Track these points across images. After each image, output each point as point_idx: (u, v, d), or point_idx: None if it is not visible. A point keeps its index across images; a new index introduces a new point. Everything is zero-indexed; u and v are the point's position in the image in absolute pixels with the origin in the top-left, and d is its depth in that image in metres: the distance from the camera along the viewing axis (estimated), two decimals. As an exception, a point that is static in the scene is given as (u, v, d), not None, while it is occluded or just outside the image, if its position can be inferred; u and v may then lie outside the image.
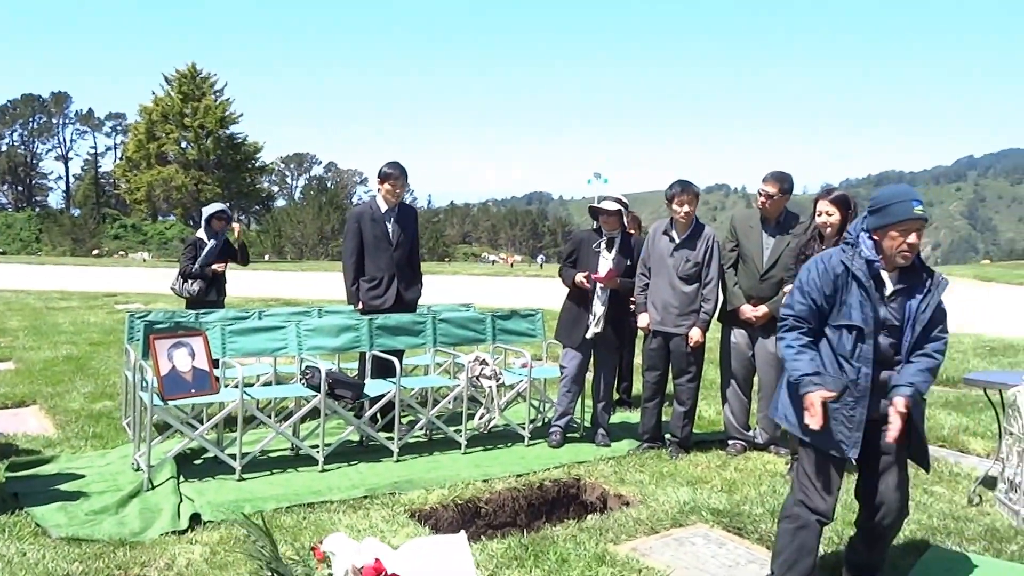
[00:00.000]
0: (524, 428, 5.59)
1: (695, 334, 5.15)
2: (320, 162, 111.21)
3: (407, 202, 6.07)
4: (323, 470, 4.80)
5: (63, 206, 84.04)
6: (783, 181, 5.12)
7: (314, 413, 5.02)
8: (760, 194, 5.15)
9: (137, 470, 4.62)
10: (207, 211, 6.91)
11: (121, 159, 61.83)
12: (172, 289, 6.89)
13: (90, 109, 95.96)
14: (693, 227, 5.22)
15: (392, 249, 5.67)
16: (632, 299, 5.51)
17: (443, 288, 21.02)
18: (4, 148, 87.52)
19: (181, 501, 4.17)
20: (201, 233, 6.83)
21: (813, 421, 2.82)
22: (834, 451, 2.94)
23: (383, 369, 5.42)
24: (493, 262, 71.97)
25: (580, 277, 5.33)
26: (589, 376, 5.70)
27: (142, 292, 19.44)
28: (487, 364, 5.51)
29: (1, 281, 21.90)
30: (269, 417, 5.20)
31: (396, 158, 5.84)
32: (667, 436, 5.41)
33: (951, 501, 4.39)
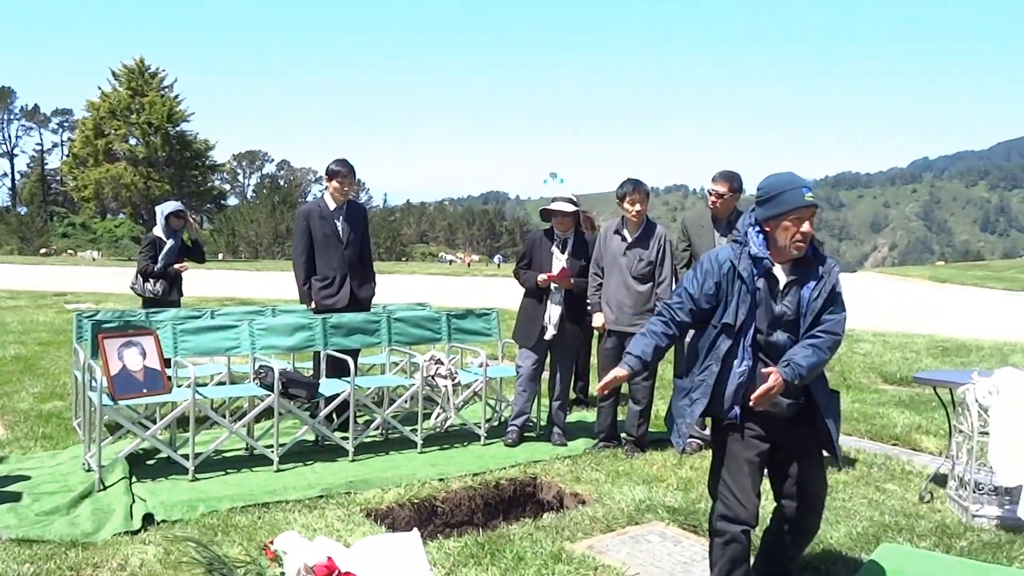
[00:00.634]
0: (480, 427, 5.62)
1: None
2: (273, 160, 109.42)
3: (358, 200, 6.04)
4: (278, 470, 4.76)
5: (8, 204, 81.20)
6: (732, 180, 5.23)
7: (269, 413, 4.98)
8: (711, 194, 5.25)
9: (88, 471, 4.54)
10: (165, 209, 6.78)
11: (68, 156, 60.04)
12: (132, 289, 6.76)
13: (36, 105, 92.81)
14: (645, 226, 5.28)
15: (343, 247, 5.63)
16: (587, 299, 5.57)
17: (399, 287, 20.94)
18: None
19: (134, 501, 4.13)
20: (159, 231, 6.71)
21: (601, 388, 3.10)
22: (674, 443, 3.00)
23: (338, 368, 5.39)
24: (450, 262, 71.74)
25: (542, 277, 5.37)
26: (546, 375, 5.74)
27: (92, 291, 18.94)
28: (442, 363, 5.52)
29: (-59, 279, 21.12)
30: (223, 417, 5.14)
31: (350, 156, 5.81)
32: (623, 435, 5.49)
33: (903, 498, 4.47)
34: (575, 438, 5.65)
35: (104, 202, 51.92)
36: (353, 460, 5.04)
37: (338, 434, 5.26)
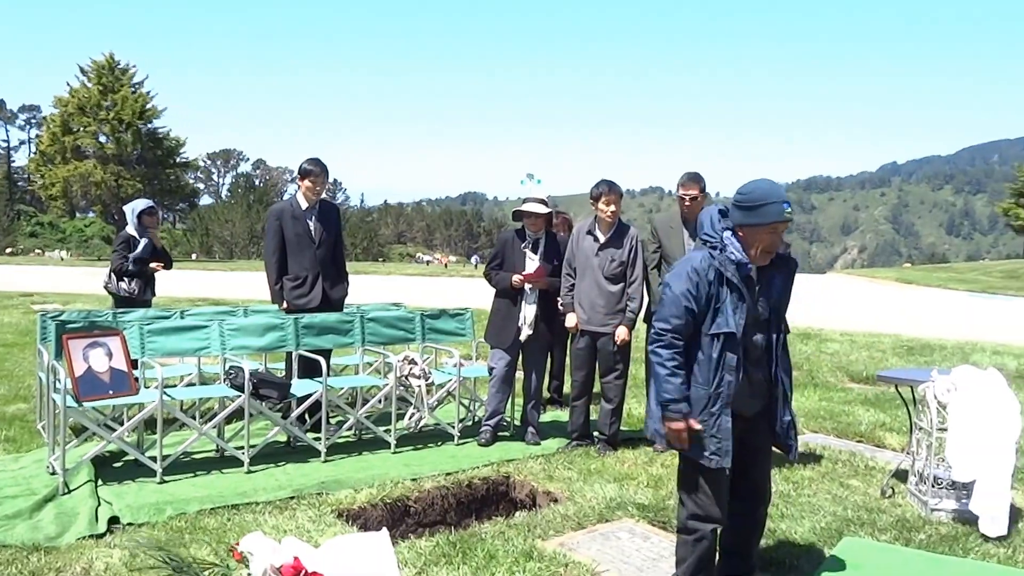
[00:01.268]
0: (454, 427, 5.61)
1: (621, 332, 5.25)
2: (248, 159, 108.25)
3: (333, 200, 5.99)
4: (249, 471, 4.71)
5: (-28, 202, 79.27)
6: (701, 181, 5.32)
7: (240, 414, 4.93)
8: (684, 197, 5.29)
9: (52, 474, 4.46)
10: (136, 207, 6.69)
11: (35, 153, 58.85)
12: (106, 288, 6.66)
13: (1, 100, 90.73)
14: (617, 227, 5.30)
15: (315, 247, 5.58)
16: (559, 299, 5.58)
17: (376, 288, 20.84)
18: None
19: (99, 504, 4.07)
20: (131, 230, 6.61)
21: (679, 446, 2.88)
22: (705, 462, 2.91)
23: (310, 369, 5.34)
24: (428, 262, 71.54)
25: (517, 278, 5.37)
26: (520, 375, 5.75)
27: (60, 292, 18.60)
28: (416, 363, 5.50)
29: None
30: (193, 418, 5.08)
31: (327, 155, 5.77)
32: (595, 434, 5.51)
33: (866, 494, 4.57)
34: (548, 437, 5.65)
35: (73, 201, 50.77)
36: (325, 461, 5.00)
37: (310, 435, 5.22)
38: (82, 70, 48.55)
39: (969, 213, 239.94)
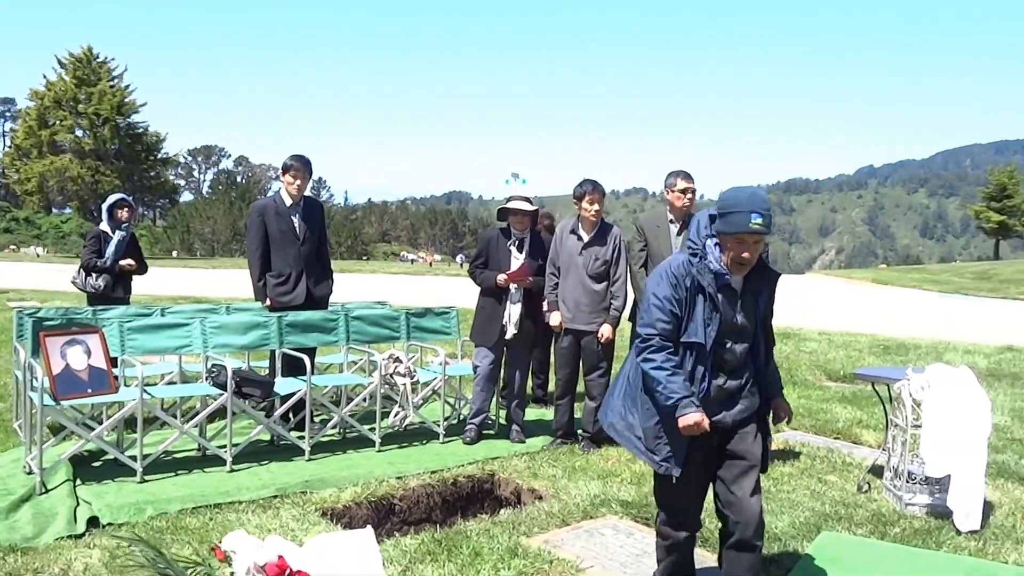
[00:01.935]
0: (439, 425, 5.59)
1: (606, 331, 5.27)
2: (229, 155, 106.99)
3: (317, 198, 5.95)
4: (231, 470, 4.67)
5: (-56, 197, 77.70)
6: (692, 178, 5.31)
7: (222, 412, 4.88)
8: (685, 192, 5.24)
9: (29, 473, 4.40)
10: (107, 203, 6.57)
11: (9, 147, 57.85)
12: (73, 283, 6.53)
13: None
14: (600, 226, 5.32)
15: (299, 244, 5.53)
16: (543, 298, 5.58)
17: (361, 286, 20.72)
18: None
19: (78, 504, 4.01)
20: (104, 226, 6.50)
21: (692, 432, 2.73)
22: (656, 468, 2.86)
23: (294, 367, 5.30)
24: (412, 261, 71.31)
25: (502, 277, 5.36)
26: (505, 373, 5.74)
27: (37, 289, 18.31)
28: (401, 362, 5.48)
29: None
30: (174, 417, 5.02)
31: (312, 153, 5.73)
32: (579, 432, 5.51)
33: (843, 489, 4.64)
34: (533, 435, 5.65)
35: (49, 196, 49.90)
36: (310, 459, 4.96)
37: (294, 433, 5.18)
38: (60, 62, 47.69)
39: (942, 216, 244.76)
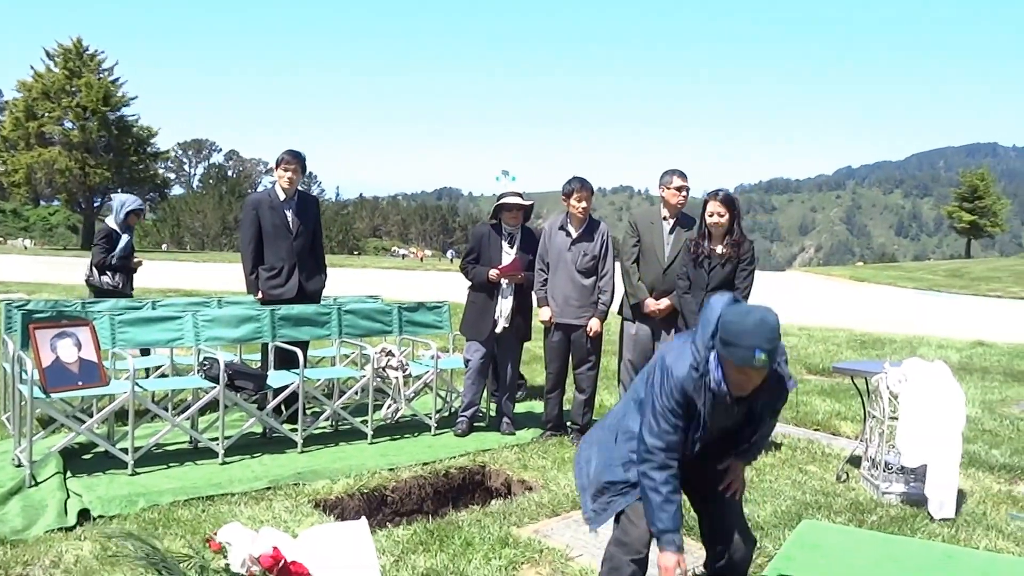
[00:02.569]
0: (431, 418, 5.61)
1: (594, 324, 5.32)
2: (220, 149, 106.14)
3: (310, 192, 5.96)
4: (224, 463, 4.67)
5: (-71, 188, 76.73)
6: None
7: (214, 405, 4.88)
8: (680, 190, 5.25)
9: (18, 466, 4.38)
10: (125, 204, 6.61)
11: (-4, 138, 57.32)
12: (88, 282, 6.57)
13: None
14: (588, 223, 5.38)
15: (292, 238, 5.54)
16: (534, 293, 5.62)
17: (352, 280, 20.69)
18: None
19: (68, 497, 3.99)
20: (113, 224, 6.55)
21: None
22: (584, 513, 2.81)
23: (286, 360, 5.31)
24: (404, 256, 71.25)
25: (494, 272, 5.40)
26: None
27: (24, 281, 18.20)
28: (393, 355, 5.50)
29: None
30: (165, 410, 5.01)
31: (303, 148, 5.74)
32: (569, 424, 5.55)
33: (822, 479, 4.75)
34: (523, 427, 5.69)
35: (37, 188, 49.37)
36: (302, 452, 4.98)
37: (287, 426, 5.18)
38: (48, 54, 47.20)
39: (917, 215, 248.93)
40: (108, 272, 6.44)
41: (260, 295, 5.57)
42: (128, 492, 4.08)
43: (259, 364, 5.69)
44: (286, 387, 5.07)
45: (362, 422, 5.36)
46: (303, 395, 5.07)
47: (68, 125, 46.21)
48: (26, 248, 43.54)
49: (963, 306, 21.10)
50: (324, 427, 5.52)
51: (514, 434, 5.52)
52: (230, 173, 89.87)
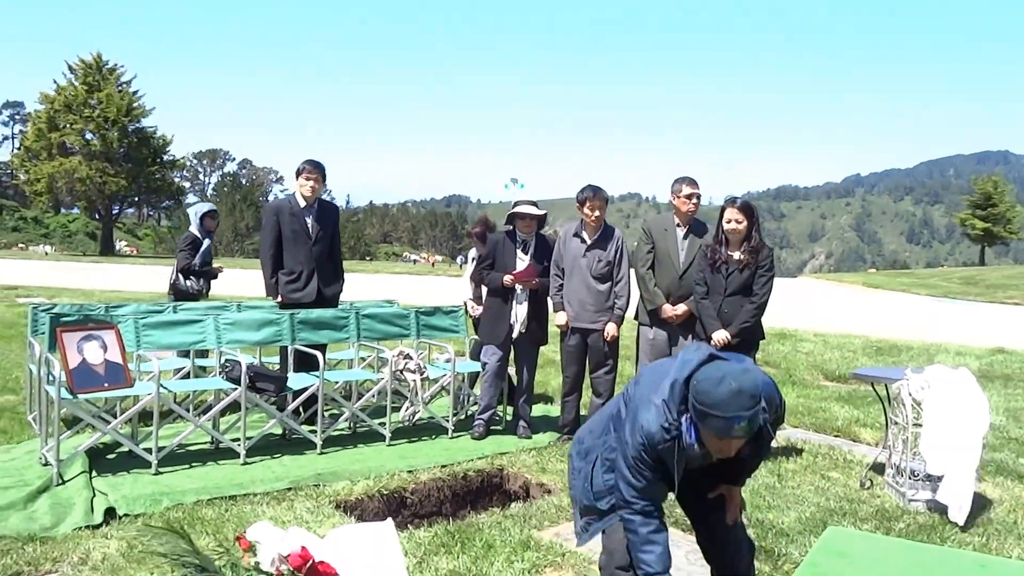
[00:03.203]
0: (448, 421, 5.65)
1: (611, 328, 5.36)
2: (234, 159, 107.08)
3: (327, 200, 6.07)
4: (245, 463, 4.73)
5: (-46, 197, 77.50)
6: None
7: (234, 407, 4.93)
8: (692, 198, 5.28)
9: (45, 465, 4.45)
10: (199, 210, 6.90)
11: (19, 149, 57.98)
12: (174, 287, 6.77)
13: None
14: (603, 229, 5.45)
15: (311, 243, 5.65)
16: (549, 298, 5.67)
17: (365, 285, 20.79)
18: None
19: (94, 495, 4.05)
20: (195, 231, 6.80)
21: None
22: (576, 527, 2.80)
23: (305, 363, 5.37)
24: (415, 261, 71.46)
25: (508, 278, 5.47)
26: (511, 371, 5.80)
27: (45, 286, 18.39)
28: (411, 358, 5.55)
29: None
30: (187, 411, 5.07)
31: (314, 156, 5.86)
32: (587, 428, 5.56)
33: (846, 485, 4.71)
34: (540, 431, 5.71)
35: (58, 196, 50.12)
36: (321, 453, 5.02)
37: (306, 427, 5.23)
38: (70, 68, 48.05)
39: (928, 222, 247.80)
40: (192, 277, 6.67)
41: (280, 298, 5.66)
42: (152, 491, 4.14)
43: (277, 366, 5.76)
44: (306, 389, 5.12)
45: (380, 424, 5.40)
46: (323, 397, 5.12)
47: (88, 136, 46.88)
48: (46, 254, 44.03)
49: (980, 313, 20.90)
50: (342, 429, 5.57)
51: (531, 437, 5.55)
52: (244, 181, 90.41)
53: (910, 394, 4.43)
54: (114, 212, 49.00)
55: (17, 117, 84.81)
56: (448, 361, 5.82)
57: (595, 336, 5.39)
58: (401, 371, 5.50)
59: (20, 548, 3.38)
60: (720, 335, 4.76)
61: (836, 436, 6.07)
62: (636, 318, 5.55)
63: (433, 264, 63.94)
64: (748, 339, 4.85)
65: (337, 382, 5.53)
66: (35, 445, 4.79)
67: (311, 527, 3.66)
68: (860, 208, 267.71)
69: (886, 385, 4.79)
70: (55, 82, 48.02)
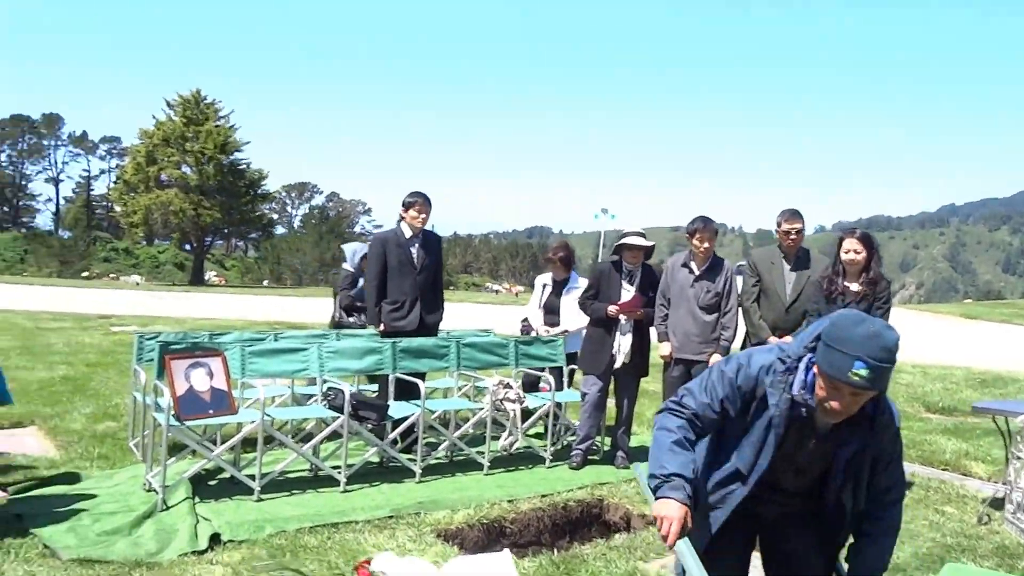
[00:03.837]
0: (546, 450, 5.55)
1: (716, 360, 5.15)
2: (322, 192, 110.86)
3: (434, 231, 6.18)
4: (345, 491, 4.72)
5: (51, 228, 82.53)
6: (802, 217, 5.25)
7: (332, 434, 4.94)
8: (789, 233, 5.18)
9: (149, 490, 4.51)
10: (359, 250, 7.09)
11: (117, 182, 61.33)
12: (338, 323, 7.02)
13: (84, 131, 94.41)
14: (712, 260, 5.36)
15: (416, 273, 5.76)
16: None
17: (452, 314, 20.97)
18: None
19: (198, 522, 4.08)
20: (352, 269, 7.09)
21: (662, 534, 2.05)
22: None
23: (405, 391, 5.39)
24: (496, 291, 72.16)
25: (612, 308, 5.39)
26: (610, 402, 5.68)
27: (136, 315, 19.16)
28: (511, 388, 5.51)
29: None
30: (287, 437, 5.12)
31: (399, 190, 6.02)
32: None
33: (961, 520, 4.55)
34: (638, 462, 5.51)
35: (153, 228, 52.64)
36: (420, 481, 4.99)
37: (405, 455, 5.21)
38: (168, 104, 50.73)
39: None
40: (355, 313, 6.90)
41: (382, 327, 5.73)
42: (255, 518, 4.15)
43: (375, 394, 5.78)
44: (407, 418, 5.12)
45: (478, 453, 5.33)
46: (422, 426, 5.09)
47: (185, 170, 49.25)
48: (137, 284, 46.06)
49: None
50: (440, 458, 5.52)
51: (629, 467, 5.39)
52: (330, 213, 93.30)
53: (1033, 428, 4.21)
54: (206, 243, 51.11)
55: (114, 151, 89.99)
56: (547, 391, 5.75)
57: (699, 368, 5.22)
58: (501, 400, 5.45)
59: (127, 573, 3.42)
60: None
61: (944, 469, 5.90)
62: (742, 348, 5.36)
63: (517, 294, 64.36)
64: None
65: (436, 411, 5.51)
66: (137, 471, 4.86)
67: (413, 555, 3.59)
68: (955, 238, 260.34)
69: (1007, 419, 4.70)
70: (154, 118, 50.68)
